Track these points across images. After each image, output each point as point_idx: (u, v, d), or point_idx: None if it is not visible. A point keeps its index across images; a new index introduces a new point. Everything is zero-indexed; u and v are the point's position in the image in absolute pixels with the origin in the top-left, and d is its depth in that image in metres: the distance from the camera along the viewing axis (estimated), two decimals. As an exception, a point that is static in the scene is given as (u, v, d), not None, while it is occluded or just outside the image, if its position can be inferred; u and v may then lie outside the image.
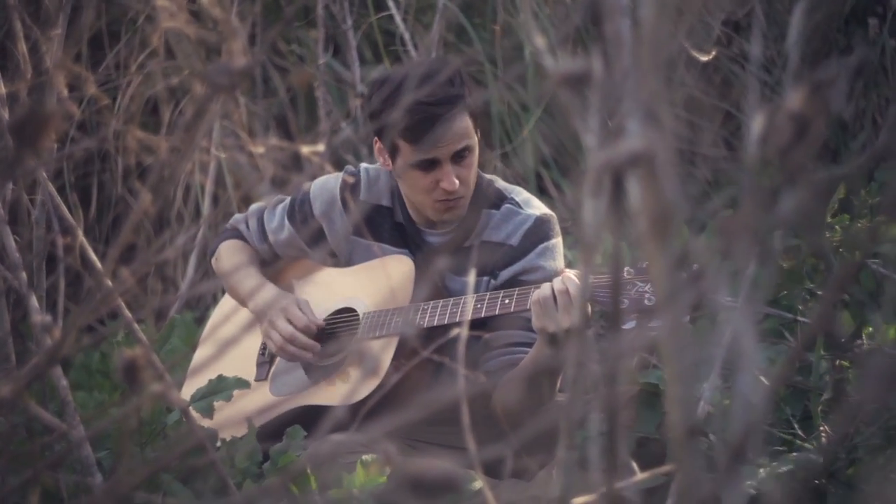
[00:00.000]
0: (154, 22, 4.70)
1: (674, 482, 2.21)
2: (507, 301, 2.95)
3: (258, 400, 3.21)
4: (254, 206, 3.47)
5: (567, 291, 2.84)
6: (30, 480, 1.59)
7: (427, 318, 3.02)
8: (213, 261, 3.47)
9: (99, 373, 4.13)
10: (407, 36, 4.83)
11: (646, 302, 2.78)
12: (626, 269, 2.85)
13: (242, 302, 3.34)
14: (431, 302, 3.06)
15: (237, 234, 3.44)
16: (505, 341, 3.08)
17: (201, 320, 4.66)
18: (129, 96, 4.82)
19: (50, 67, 1.85)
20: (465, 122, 3.04)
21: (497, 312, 2.95)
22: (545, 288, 2.86)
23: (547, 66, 1.69)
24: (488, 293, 2.98)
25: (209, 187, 4.77)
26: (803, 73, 1.48)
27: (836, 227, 2.91)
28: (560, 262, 3.12)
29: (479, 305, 2.96)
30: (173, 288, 4.92)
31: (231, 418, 2.94)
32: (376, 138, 3.15)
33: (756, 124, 1.49)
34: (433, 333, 2.94)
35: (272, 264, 3.42)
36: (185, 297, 4.52)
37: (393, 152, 3.10)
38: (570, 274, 2.90)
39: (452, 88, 3.01)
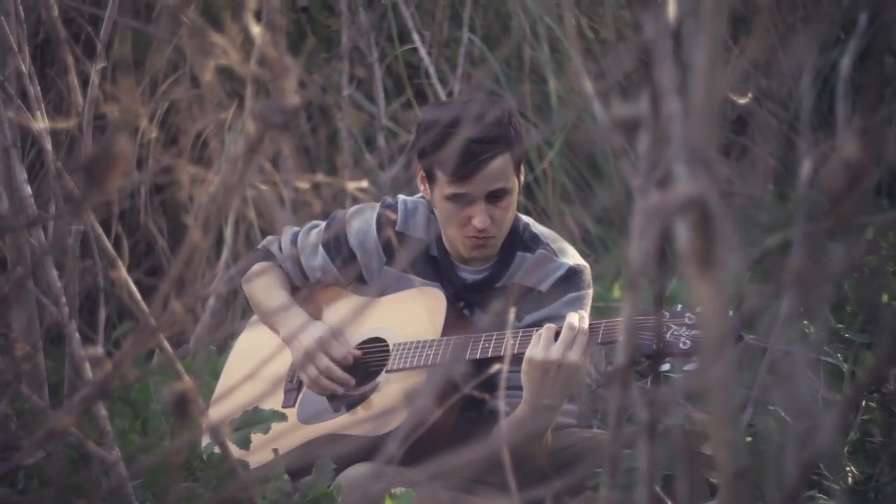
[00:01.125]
0: (180, 52, 4.74)
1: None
2: (513, 341, 2.97)
3: (284, 426, 3.22)
4: (288, 230, 3.47)
5: (575, 328, 2.86)
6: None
7: (468, 352, 3.03)
8: (243, 282, 3.48)
9: (120, 400, 4.15)
10: (431, 69, 4.87)
11: (681, 346, 2.80)
12: (662, 312, 2.86)
13: (273, 327, 3.36)
14: (465, 336, 3.07)
15: (269, 257, 3.45)
16: (513, 383, 3.10)
17: (221, 350, 4.67)
18: (161, 126, 4.85)
19: (107, 105, 1.87)
20: (505, 164, 3.05)
21: (515, 351, 2.97)
22: (539, 350, 2.87)
23: (597, 112, 1.72)
24: (521, 330, 3.00)
25: (231, 220, 4.79)
26: (850, 122, 1.51)
27: (864, 268, 2.94)
28: (585, 313, 3.12)
29: (512, 342, 2.97)
30: (193, 317, 4.93)
31: (257, 444, 2.95)
32: (420, 166, 3.17)
33: (806, 169, 1.52)
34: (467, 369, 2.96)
35: (302, 290, 3.42)
36: (206, 330, 4.53)
37: (431, 179, 3.12)
38: (583, 314, 2.92)
39: (499, 129, 3.03)
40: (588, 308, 3.14)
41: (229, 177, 1.91)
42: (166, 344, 2.11)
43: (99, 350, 1.77)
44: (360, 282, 3.37)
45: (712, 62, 1.55)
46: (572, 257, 3.19)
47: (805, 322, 3.08)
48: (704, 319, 1.52)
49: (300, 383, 3.33)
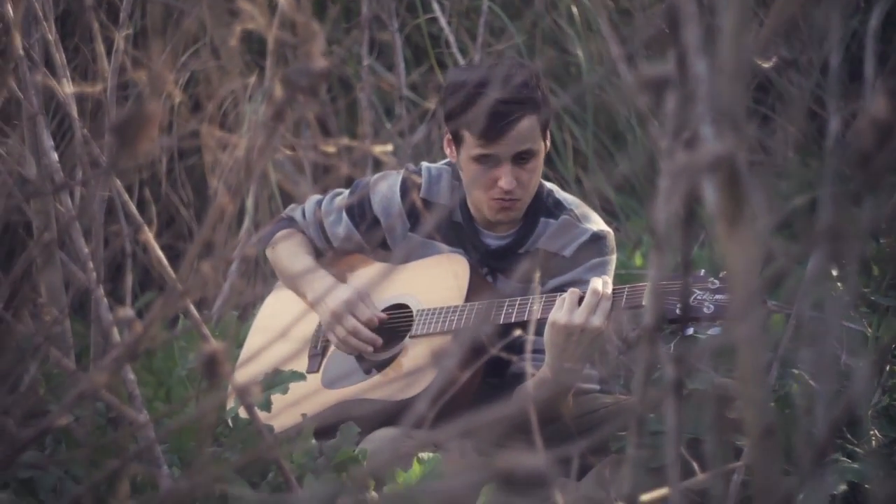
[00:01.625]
0: (200, 21, 4.74)
1: (752, 482, 2.24)
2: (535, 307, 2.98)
3: (309, 390, 3.24)
4: (311, 199, 3.49)
5: (599, 293, 2.87)
6: (118, 472, 1.62)
7: (493, 317, 3.05)
8: (268, 250, 3.49)
9: (144, 369, 4.17)
10: (451, 39, 4.86)
11: (705, 310, 2.81)
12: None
13: (300, 293, 3.38)
14: (489, 301, 3.08)
15: (291, 224, 3.47)
16: (536, 347, 3.11)
17: (244, 318, 4.69)
18: (184, 95, 4.86)
19: (137, 70, 1.88)
20: (532, 126, 3.07)
21: (526, 318, 2.98)
22: (562, 314, 2.89)
23: (624, 73, 1.72)
24: (545, 295, 3.01)
25: (253, 188, 4.80)
26: (879, 80, 1.51)
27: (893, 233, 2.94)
28: (610, 279, 3.14)
29: (536, 307, 2.98)
30: (215, 285, 4.95)
31: (282, 408, 2.97)
32: (447, 128, 3.18)
33: (834, 125, 1.52)
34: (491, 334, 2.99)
35: (327, 255, 3.44)
36: (228, 297, 4.55)
37: (458, 141, 3.13)
38: (607, 280, 2.93)
39: (526, 91, 3.04)
40: (612, 273, 3.15)
41: (255, 141, 1.92)
42: (192, 308, 2.13)
43: (129, 312, 1.78)
44: (383, 248, 3.39)
45: (740, 22, 1.56)
46: (596, 223, 3.21)
47: (834, 284, 3.09)
48: (732, 278, 1.53)
49: (324, 349, 3.36)
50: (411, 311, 3.25)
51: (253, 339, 3.49)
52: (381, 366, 3.23)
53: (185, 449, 2.56)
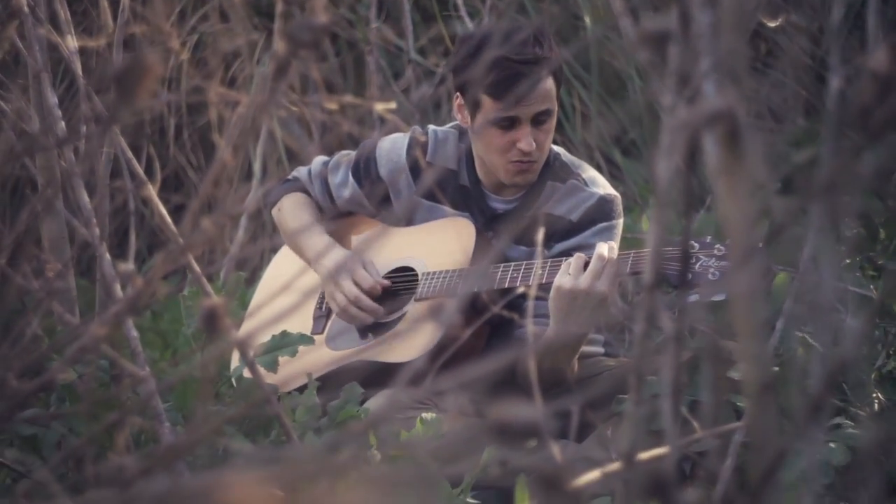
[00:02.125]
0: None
1: (733, 440, 2.24)
2: (541, 271, 2.98)
3: (314, 354, 3.24)
4: (317, 159, 3.48)
5: (604, 258, 2.86)
6: (114, 426, 1.63)
7: (497, 280, 3.05)
8: (274, 211, 3.50)
9: (150, 331, 4.18)
10: (460, 1, 4.84)
11: (710, 276, 2.80)
12: (691, 242, 2.86)
13: (306, 258, 3.38)
14: (494, 265, 3.08)
15: (299, 186, 3.46)
16: (540, 311, 3.11)
17: (251, 282, 4.70)
18: (192, 57, 4.86)
19: (135, 23, 1.88)
20: (549, 85, 3.07)
21: (544, 280, 2.98)
22: (566, 278, 2.89)
23: (625, 28, 1.72)
24: (550, 260, 3.01)
25: (260, 148, 4.80)
26: (881, 35, 1.50)
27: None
28: (616, 244, 3.13)
29: (541, 272, 2.98)
30: (221, 249, 4.96)
31: (287, 370, 2.97)
32: (458, 94, 3.17)
33: (835, 83, 1.51)
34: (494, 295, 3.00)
35: (333, 220, 3.44)
36: (235, 259, 4.56)
37: (474, 108, 3.12)
38: (612, 245, 2.92)
39: (541, 50, 3.03)
40: (618, 238, 3.15)
41: (259, 97, 1.92)
42: (195, 264, 2.13)
43: (130, 266, 1.79)
44: (388, 210, 3.39)
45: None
46: (603, 187, 3.20)
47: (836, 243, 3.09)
48: (730, 233, 1.53)
49: (329, 310, 3.36)
50: (416, 274, 3.26)
51: (258, 297, 3.50)
52: (386, 329, 3.24)
53: (188, 406, 2.57)
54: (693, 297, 2.89)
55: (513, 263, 3.05)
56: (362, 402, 2.92)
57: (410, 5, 4.93)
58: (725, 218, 1.53)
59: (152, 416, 2.23)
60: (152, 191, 2.23)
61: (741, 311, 1.54)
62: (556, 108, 3.12)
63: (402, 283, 3.29)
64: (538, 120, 3.08)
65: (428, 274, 3.21)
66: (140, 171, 2.35)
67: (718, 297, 2.81)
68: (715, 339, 2.98)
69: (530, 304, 2.32)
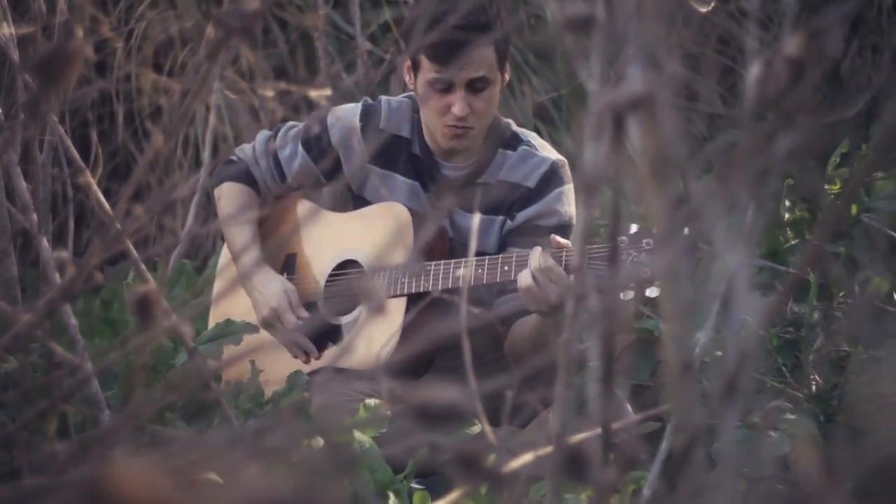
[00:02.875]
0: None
1: (669, 420, 2.26)
2: (506, 268, 2.98)
3: (281, 363, 3.25)
4: (261, 135, 3.46)
5: (544, 269, 2.87)
6: (45, 412, 1.63)
7: (430, 282, 3.06)
8: (216, 194, 3.47)
9: (100, 319, 4.17)
10: (408, -13, 4.85)
11: (643, 271, 2.82)
12: (619, 238, 2.87)
13: (235, 258, 3.37)
14: (434, 263, 3.09)
15: (243, 168, 3.42)
16: (476, 296, 3.13)
17: (201, 270, 4.69)
18: (133, 42, 4.84)
19: (65, 8, 1.88)
20: (487, 53, 3.08)
21: (498, 280, 3.00)
22: (525, 276, 2.89)
23: (552, 12, 1.73)
24: (487, 258, 3.01)
25: (209, 135, 4.79)
26: (801, 22, 1.53)
27: (836, 179, 2.97)
28: (573, 208, 3.16)
29: (479, 272, 3.00)
30: (172, 236, 4.95)
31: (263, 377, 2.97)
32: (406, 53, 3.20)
33: (753, 69, 1.53)
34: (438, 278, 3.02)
35: (280, 208, 3.44)
36: (186, 244, 4.55)
37: (415, 67, 3.14)
38: (543, 254, 2.92)
39: (483, 17, 3.05)
40: (573, 201, 3.16)
41: (192, 83, 1.93)
42: (132, 248, 2.13)
43: (64, 253, 1.79)
44: (339, 178, 3.36)
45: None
46: (552, 152, 3.24)
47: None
48: (654, 218, 1.55)
49: None
50: (362, 268, 3.26)
51: (217, 284, 3.51)
52: (344, 331, 3.24)
53: (127, 391, 2.57)
54: (628, 295, 2.89)
55: (452, 262, 3.07)
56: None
57: (360, -8, 4.93)
58: (648, 202, 1.55)
59: (92, 404, 2.23)
60: (89, 177, 2.23)
61: (665, 292, 1.56)
62: (500, 79, 3.13)
63: (349, 278, 3.29)
64: (474, 87, 3.09)
65: (372, 270, 3.22)
66: (78, 158, 2.35)
67: (652, 292, 2.82)
68: (654, 323, 3.01)
69: (463, 292, 2.31)
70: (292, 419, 1.60)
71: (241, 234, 3.35)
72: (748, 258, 1.35)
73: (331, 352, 3.25)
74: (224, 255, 3.57)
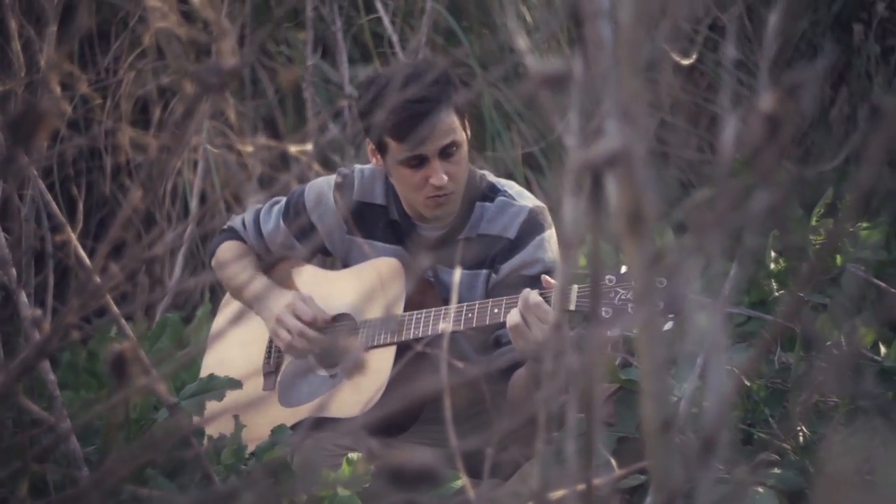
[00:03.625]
0: (145, 22, 4.73)
1: (650, 474, 2.24)
2: (496, 311, 2.99)
3: (269, 413, 3.24)
4: (250, 208, 3.51)
5: (532, 306, 2.87)
6: (19, 472, 1.61)
7: (417, 332, 3.07)
8: (212, 262, 3.50)
9: (86, 371, 4.15)
10: (395, 38, 4.86)
11: (603, 314, 2.83)
12: (607, 277, 2.87)
13: (247, 304, 3.39)
14: (412, 313, 3.10)
15: (235, 237, 3.47)
16: (465, 347, 3.12)
17: (189, 320, 4.68)
18: (119, 96, 4.85)
19: (44, 65, 1.88)
20: (450, 119, 3.09)
21: (487, 322, 3.00)
22: (514, 314, 2.89)
23: (529, 67, 1.73)
24: (477, 303, 3.02)
25: (197, 186, 4.79)
26: (779, 75, 1.52)
27: (821, 230, 2.96)
28: (556, 252, 3.15)
29: (469, 315, 3.00)
30: (161, 287, 4.94)
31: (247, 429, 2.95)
32: (368, 138, 3.20)
33: (730, 124, 1.53)
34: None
35: (271, 267, 3.46)
36: (172, 296, 4.54)
37: (382, 150, 3.15)
38: (532, 293, 2.92)
39: (437, 86, 3.06)
40: (556, 246, 3.16)
41: (169, 139, 1.92)
42: (112, 304, 2.12)
43: (38, 311, 1.78)
44: (324, 253, 3.40)
45: (638, 17, 1.56)
46: (530, 199, 3.24)
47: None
48: (632, 275, 1.54)
49: (277, 365, 3.37)
50: (356, 321, 3.26)
51: (209, 356, 3.49)
52: (335, 381, 3.24)
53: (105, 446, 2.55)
54: (615, 332, 2.89)
55: (432, 310, 3.07)
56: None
57: (347, 42, 4.94)
58: (627, 259, 1.54)
59: (70, 462, 2.21)
60: (70, 232, 2.22)
61: (642, 350, 1.55)
62: (465, 138, 3.14)
63: (343, 331, 3.29)
64: (446, 153, 3.10)
65: (367, 321, 3.23)
66: (58, 213, 2.34)
67: (614, 333, 2.82)
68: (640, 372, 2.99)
69: (444, 346, 2.30)
70: (269, 477, 1.58)
71: (245, 270, 3.39)
72: (725, 314, 1.33)
73: (318, 402, 3.24)
74: (226, 297, 3.57)
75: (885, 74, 5.32)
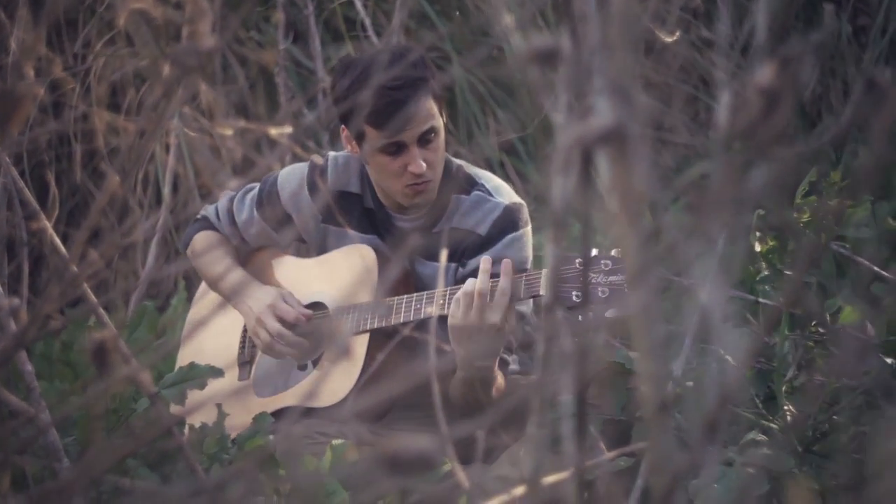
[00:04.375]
0: (114, 9, 4.66)
1: (644, 460, 2.22)
2: (441, 301, 2.97)
3: (244, 403, 3.21)
4: (223, 195, 3.46)
5: (472, 293, 2.86)
6: (0, 464, 1.57)
7: (394, 315, 3.03)
8: (188, 252, 3.46)
9: (60, 362, 4.10)
10: (368, 22, 4.82)
11: (599, 293, 2.80)
12: (577, 260, 2.83)
13: (224, 296, 3.34)
14: (397, 298, 3.06)
15: (209, 226, 3.42)
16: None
17: (163, 309, 4.63)
18: (89, 82, 4.79)
19: (15, 49, 1.83)
20: (428, 104, 3.05)
21: (434, 312, 2.97)
22: (468, 284, 2.88)
23: (515, 45, 1.69)
24: (448, 289, 2.99)
25: (169, 174, 4.73)
26: (768, 51, 1.49)
27: (805, 208, 2.93)
28: (528, 252, 3.14)
29: (441, 301, 2.97)
30: (133, 276, 4.89)
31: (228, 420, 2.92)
32: (343, 126, 3.15)
33: (725, 99, 1.49)
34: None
35: (246, 256, 3.42)
36: (146, 284, 4.49)
37: (359, 138, 3.10)
38: (472, 280, 2.90)
39: (415, 71, 3.02)
40: (529, 245, 3.14)
41: (146, 123, 1.88)
42: (90, 293, 2.08)
43: (16, 301, 1.73)
44: (299, 241, 3.36)
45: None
46: (508, 195, 3.19)
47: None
48: (625, 252, 1.51)
49: (252, 355, 3.33)
50: (328, 310, 3.23)
51: (183, 350, 3.44)
52: (308, 369, 3.21)
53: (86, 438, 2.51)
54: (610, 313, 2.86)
55: (415, 295, 3.04)
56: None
57: (320, 28, 4.89)
58: (619, 236, 1.51)
59: (49, 453, 2.17)
60: (45, 221, 2.17)
61: (638, 330, 1.52)
62: (442, 124, 3.10)
63: (315, 320, 3.26)
64: (424, 140, 3.06)
65: (339, 310, 3.19)
66: (32, 200, 2.29)
67: (611, 314, 2.80)
68: (625, 354, 2.97)
69: (432, 331, 2.28)
70: (255, 469, 1.55)
71: (222, 261, 3.34)
72: (724, 291, 1.31)
73: (296, 390, 3.20)
74: (201, 287, 3.52)
75: (856, 54, 5.32)
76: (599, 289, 2.79)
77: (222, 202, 3.42)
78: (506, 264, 2.90)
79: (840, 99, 5.27)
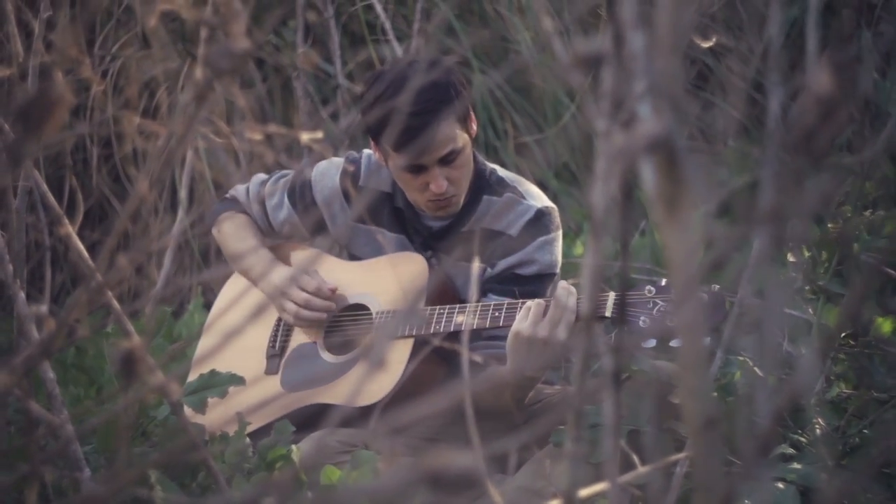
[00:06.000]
0: (131, 12, 4.64)
1: (693, 475, 2.18)
2: (496, 314, 2.93)
3: (269, 393, 3.18)
4: (255, 178, 3.46)
5: (564, 306, 2.82)
6: (27, 476, 1.53)
7: (433, 327, 3.01)
8: (214, 231, 3.44)
9: (74, 367, 4.07)
10: (388, 25, 4.78)
11: (640, 323, 2.77)
12: (647, 287, 2.82)
13: (251, 279, 3.33)
14: (429, 308, 3.03)
15: (236, 204, 3.42)
16: (491, 332, 3.06)
17: (178, 315, 4.60)
18: (113, 85, 4.76)
19: (45, 52, 1.79)
20: (450, 128, 3.02)
21: (488, 325, 2.94)
22: (541, 302, 2.84)
23: (557, 49, 1.66)
24: (479, 304, 2.95)
25: (186, 178, 4.70)
26: (819, 57, 1.45)
27: (838, 218, 2.90)
28: (557, 256, 3.12)
29: (472, 318, 2.94)
30: (148, 281, 4.86)
31: (246, 411, 2.89)
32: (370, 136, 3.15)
33: (774, 107, 1.45)
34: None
35: (285, 254, 3.41)
36: (162, 291, 4.45)
37: (383, 153, 3.09)
38: (572, 289, 2.86)
39: (437, 94, 2.98)
40: (559, 249, 3.12)
41: (178, 127, 1.84)
42: (114, 301, 2.04)
43: (42, 308, 1.69)
44: (325, 235, 3.35)
45: (677, -4, 1.49)
46: (539, 199, 3.17)
47: (782, 269, 3.05)
48: (671, 264, 1.47)
49: (283, 348, 3.29)
50: (371, 313, 3.20)
51: (205, 340, 3.41)
52: (342, 368, 3.16)
53: (111, 448, 2.47)
54: (650, 344, 2.82)
55: (462, 305, 3.01)
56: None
57: (339, 32, 4.86)
58: (667, 248, 1.47)
59: (70, 464, 2.13)
60: (69, 226, 2.14)
61: (684, 345, 1.48)
62: (467, 139, 3.07)
63: (356, 321, 3.23)
64: (446, 160, 3.05)
65: (382, 313, 3.16)
66: (56, 205, 2.25)
67: (650, 344, 2.77)
68: (656, 363, 2.93)
69: (464, 341, 2.23)
70: (285, 487, 1.51)
71: (248, 241, 3.36)
72: (781, 307, 1.26)
73: (332, 389, 3.14)
74: (220, 301, 3.50)
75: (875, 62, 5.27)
76: (640, 318, 2.77)
77: (254, 183, 3.44)
78: (570, 289, 2.86)
79: (858, 108, 5.23)
